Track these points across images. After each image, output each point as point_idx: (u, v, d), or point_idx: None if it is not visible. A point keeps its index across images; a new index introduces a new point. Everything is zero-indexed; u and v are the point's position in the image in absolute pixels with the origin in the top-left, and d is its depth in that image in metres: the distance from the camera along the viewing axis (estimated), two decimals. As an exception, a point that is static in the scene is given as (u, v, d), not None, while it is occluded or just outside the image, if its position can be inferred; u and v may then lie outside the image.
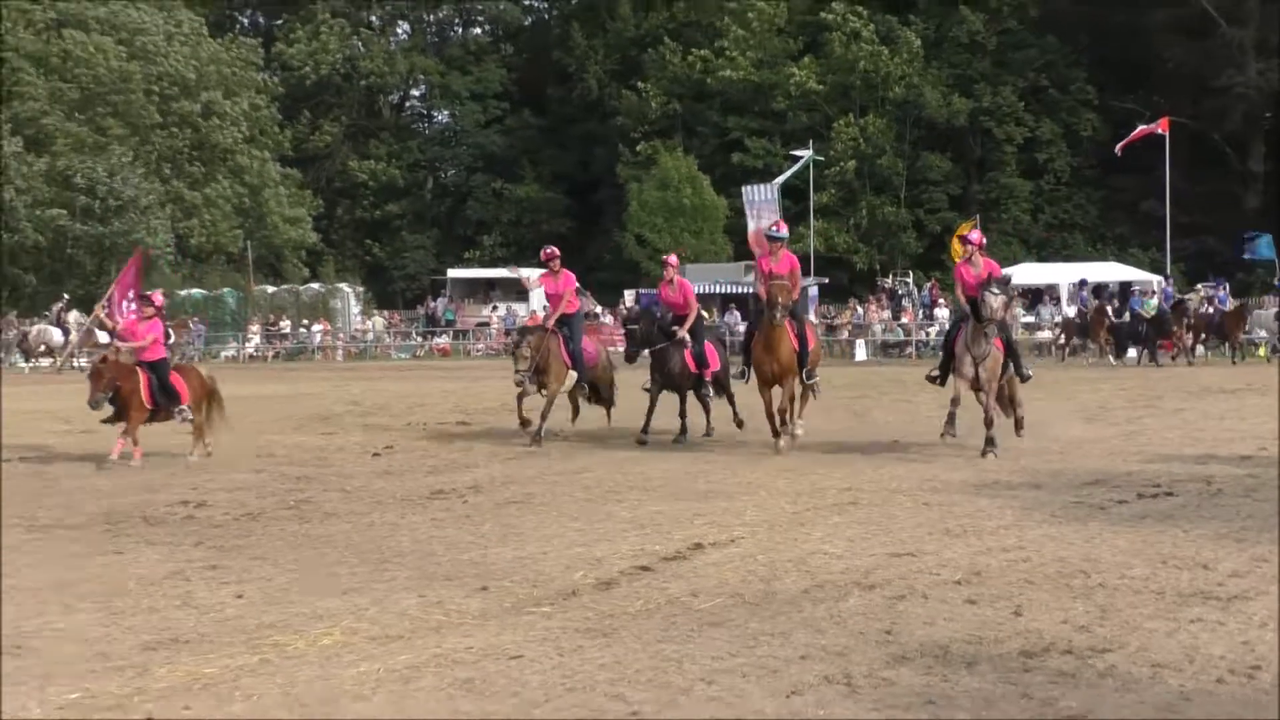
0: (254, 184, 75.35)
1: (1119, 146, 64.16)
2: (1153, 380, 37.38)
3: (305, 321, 64.91)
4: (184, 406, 19.68)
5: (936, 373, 19.22)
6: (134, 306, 22.39)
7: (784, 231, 20.57)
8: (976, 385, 18.12)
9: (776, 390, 19.73)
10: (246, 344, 62.36)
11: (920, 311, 62.15)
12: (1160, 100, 66.79)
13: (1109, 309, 46.10)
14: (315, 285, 72.06)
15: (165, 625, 9.55)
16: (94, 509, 14.99)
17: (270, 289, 70.33)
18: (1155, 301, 45.88)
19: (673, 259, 22.84)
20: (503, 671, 8.22)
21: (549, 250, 22.33)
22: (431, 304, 68.31)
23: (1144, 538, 12.32)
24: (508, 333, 61.08)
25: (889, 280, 67.99)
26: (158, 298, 20.91)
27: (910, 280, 67.33)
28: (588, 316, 64.50)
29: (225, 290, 68.33)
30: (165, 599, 10.42)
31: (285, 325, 64.97)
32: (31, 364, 54.30)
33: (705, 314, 62.61)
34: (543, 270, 22.43)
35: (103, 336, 41.15)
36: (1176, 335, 43.13)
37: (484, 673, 8.20)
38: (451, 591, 10.42)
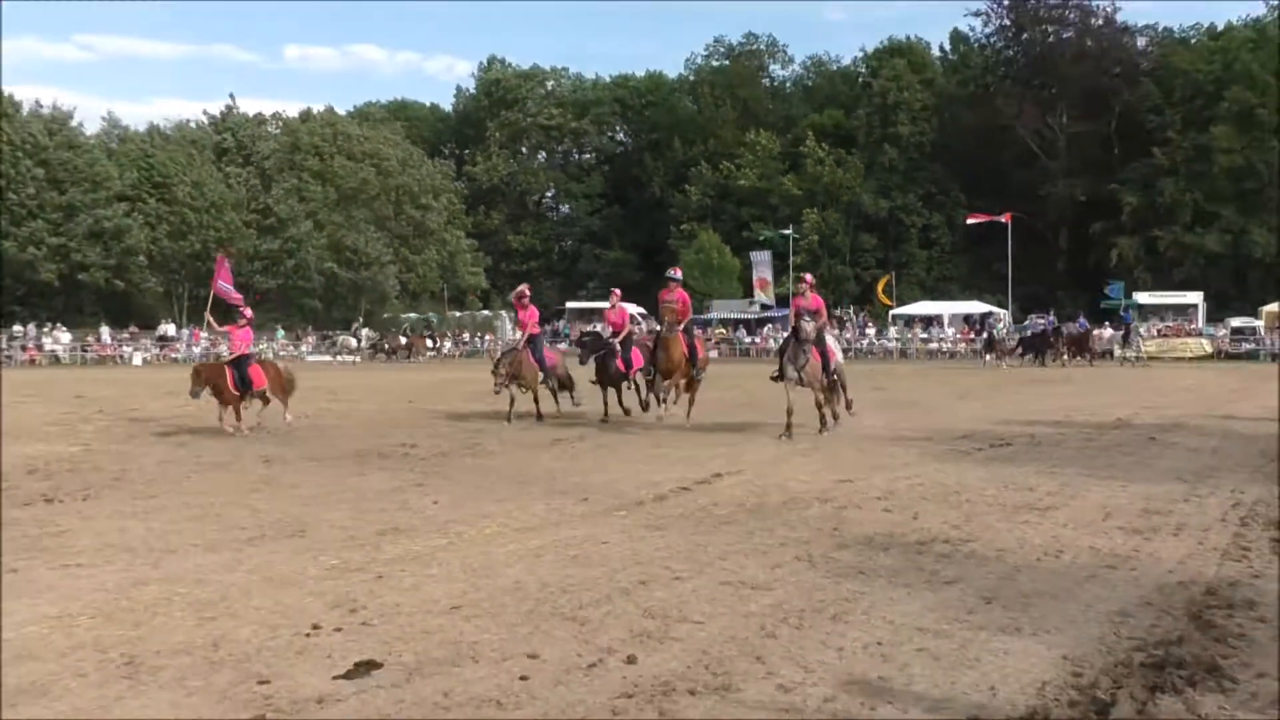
0: (452, 250, 75.85)
1: (968, 219, 63.70)
2: (1007, 375, 37.05)
3: (479, 334, 65.15)
4: (261, 389, 17.79)
5: (776, 374, 16.94)
6: (237, 297, 19.97)
7: (676, 274, 19.59)
8: (802, 383, 16.23)
9: (671, 380, 18.56)
10: (442, 348, 62.52)
11: (858, 330, 61.80)
12: (1005, 202, 66.06)
13: (993, 331, 45.32)
14: (485, 311, 72.44)
15: (390, 520, 9.59)
16: (346, 448, 15.07)
17: (458, 314, 70.92)
18: (1042, 324, 45.07)
19: (617, 292, 21.41)
20: (597, 551, 8.20)
21: (519, 290, 19.93)
22: (556, 324, 68.41)
23: (993, 471, 12.18)
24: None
25: (838, 310, 67.67)
26: (248, 312, 18.50)
27: (851, 311, 66.99)
28: (650, 332, 64.74)
29: (430, 314, 69.11)
30: (391, 503, 10.46)
31: (466, 336, 65.25)
32: (339, 357, 55.91)
33: (724, 331, 61.73)
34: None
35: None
36: (1054, 347, 42.26)
37: (584, 551, 8.18)
38: (564, 501, 10.41)
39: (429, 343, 61.21)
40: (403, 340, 59.69)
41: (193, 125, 76.82)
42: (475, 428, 17.91)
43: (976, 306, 61.92)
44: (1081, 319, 43.30)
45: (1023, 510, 9.79)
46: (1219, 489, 10.83)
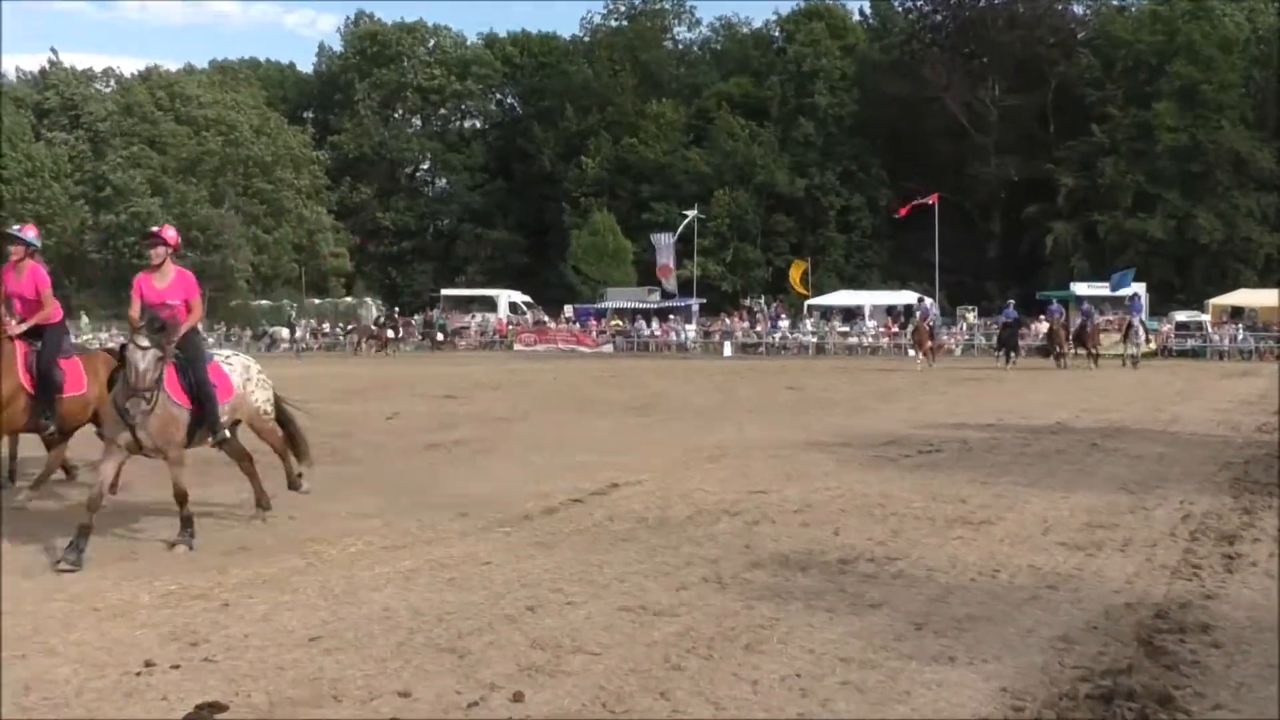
0: (311, 228, 74.83)
1: (900, 211, 64.58)
2: (927, 373, 37.62)
3: (342, 324, 64.34)
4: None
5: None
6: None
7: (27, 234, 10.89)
8: (144, 450, 9.11)
9: None
10: (298, 339, 61.63)
11: (769, 322, 62.34)
12: (932, 182, 67.13)
13: (928, 323, 45.23)
14: (349, 299, 71.59)
15: (237, 538, 9.35)
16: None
17: (317, 301, 69.89)
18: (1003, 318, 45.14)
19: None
20: (476, 573, 8.08)
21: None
22: (430, 313, 67.81)
23: (921, 480, 12.31)
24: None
25: (747, 300, 68.16)
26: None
27: (762, 301, 67.55)
28: (537, 323, 64.68)
29: (284, 301, 67.99)
30: (237, 519, 10.21)
31: (326, 326, 64.43)
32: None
33: (620, 323, 61.35)
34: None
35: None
36: (1063, 343, 42.62)
37: (463, 573, 8.05)
38: (440, 515, 10.26)
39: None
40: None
41: (6, 81, 74.70)
42: (336, 428, 17.60)
43: (900, 296, 62.83)
44: (1011, 308, 43.71)
45: (955, 524, 9.88)
46: (1167, 500, 11.06)
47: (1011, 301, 45.88)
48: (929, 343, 42.74)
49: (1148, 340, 46.69)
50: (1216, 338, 53.10)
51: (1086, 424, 18.72)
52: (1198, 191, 66.54)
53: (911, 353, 44.97)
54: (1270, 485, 11.86)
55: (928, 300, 49.28)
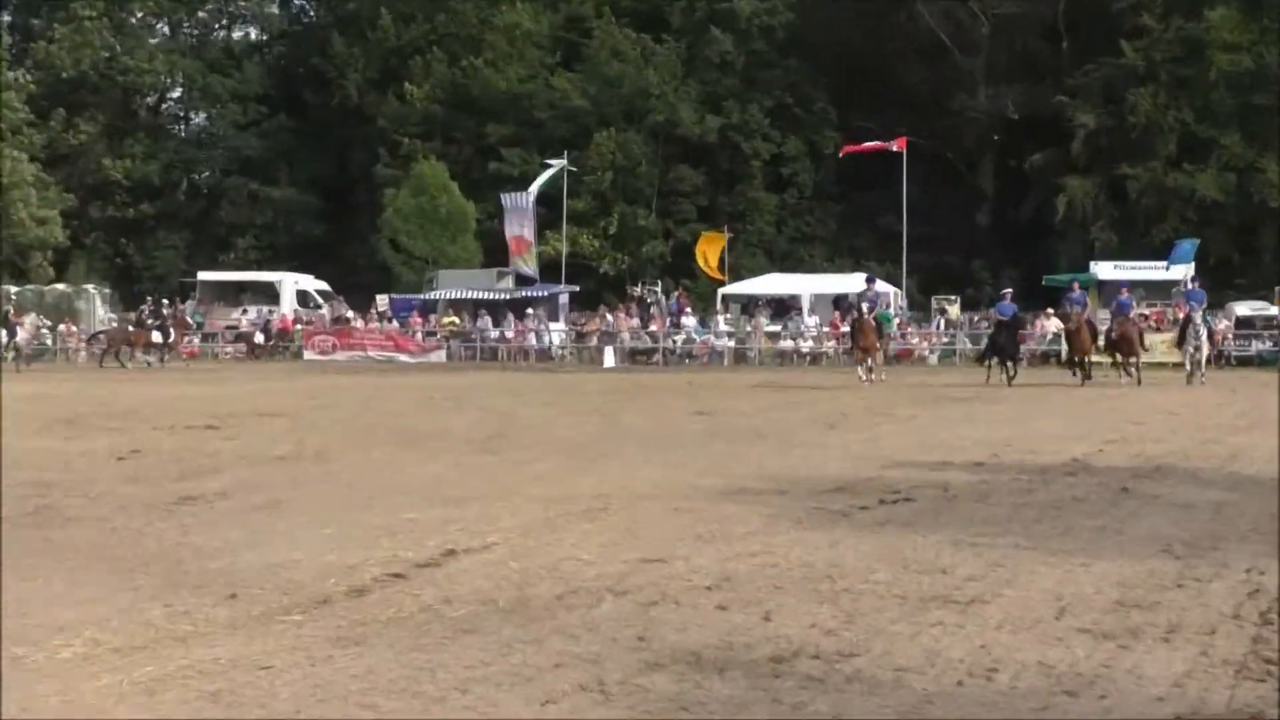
0: (7, 182, 73.31)
1: (843, 150, 65.32)
2: (886, 388, 38.00)
3: (49, 322, 63.26)
4: None
5: None
6: None
7: None
8: None
9: None
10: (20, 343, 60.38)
11: (668, 319, 62.54)
12: (898, 121, 67.95)
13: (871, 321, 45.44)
14: (60, 286, 70.34)
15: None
16: None
17: (14, 289, 68.16)
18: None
19: None
20: (251, 682, 7.94)
21: None
22: (181, 306, 66.40)
23: (885, 542, 12.39)
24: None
25: (638, 288, 68.32)
26: None
27: (659, 289, 67.75)
28: (337, 320, 64.20)
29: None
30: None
31: (28, 324, 63.05)
32: None
33: (456, 320, 61.74)
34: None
35: None
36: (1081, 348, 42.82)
37: (232, 684, 7.92)
38: (199, 600, 10.08)
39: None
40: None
41: None
42: (43, 475, 17.27)
43: (853, 281, 63.31)
44: (1006, 302, 44.11)
45: (933, 605, 9.94)
46: (1227, 568, 11.22)
47: (1008, 291, 46.35)
48: (876, 347, 41.89)
49: (1212, 342, 47.03)
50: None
51: (1115, 461, 19.02)
52: (1266, 134, 67.77)
53: (861, 371, 42.36)
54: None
55: (879, 285, 48.01)
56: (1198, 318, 43.41)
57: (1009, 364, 41.68)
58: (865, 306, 41.91)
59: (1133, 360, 42.30)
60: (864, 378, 40.57)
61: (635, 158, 76.24)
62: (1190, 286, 47.01)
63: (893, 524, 13.54)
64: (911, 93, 72.93)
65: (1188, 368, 42.70)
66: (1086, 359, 41.68)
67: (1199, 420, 26.72)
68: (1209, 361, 44.38)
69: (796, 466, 18.42)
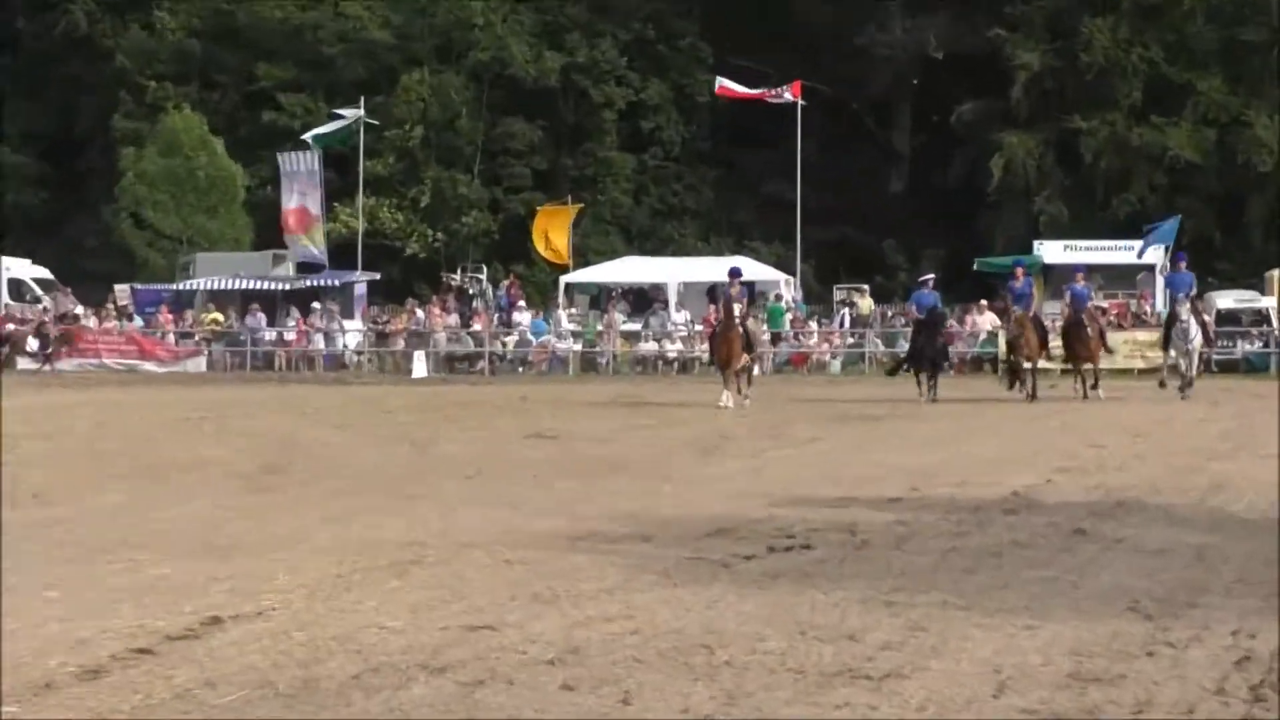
0: None
1: (719, 91, 65.61)
2: (780, 404, 38.22)
3: None
4: None
5: None
6: None
7: None
8: None
9: None
10: None
11: (496, 315, 62.56)
12: (791, 61, 68.29)
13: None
14: None
15: None
16: None
17: None
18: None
19: None
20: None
21: None
22: None
23: (777, 601, 12.46)
24: None
25: (457, 276, 68.14)
26: None
27: (484, 276, 67.67)
28: (63, 318, 63.43)
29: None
30: None
31: None
32: None
33: (220, 317, 61.30)
34: None
35: None
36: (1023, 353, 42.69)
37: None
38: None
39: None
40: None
41: None
42: None
43: (730, 266, 63.59)
44: (925, 291, 43.65)
45: (838, 681, 10.02)
46: (1208, 630, 11.37)
47: (929, 277, 45.76)
48: (743, 355, 40.09)
49: (1207, 341, 45.70)
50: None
51: (1067, 495, 19.26)
52: (1255, 78, 68.70)
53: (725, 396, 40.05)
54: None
55: (776, 275, 47.89)
56: (1184, 311, 42.08)
57: (929, 373, 41.48)
58: (719, 298, 41.08)
59: (1088, 367, 42.21)
60: (724, 402, 38.02)
61: (453, 107, 76.20)
62: (1172, 270, 46.28)
63: (787, 577, 13.62)
64: (807, 25, 73.43)
65: (1182, 371, 41.70)
66: (1031, 366, 41.44)
67: (1173, 442, 27.11)
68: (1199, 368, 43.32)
69: (663, 505, 18.50)
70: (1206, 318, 49.75)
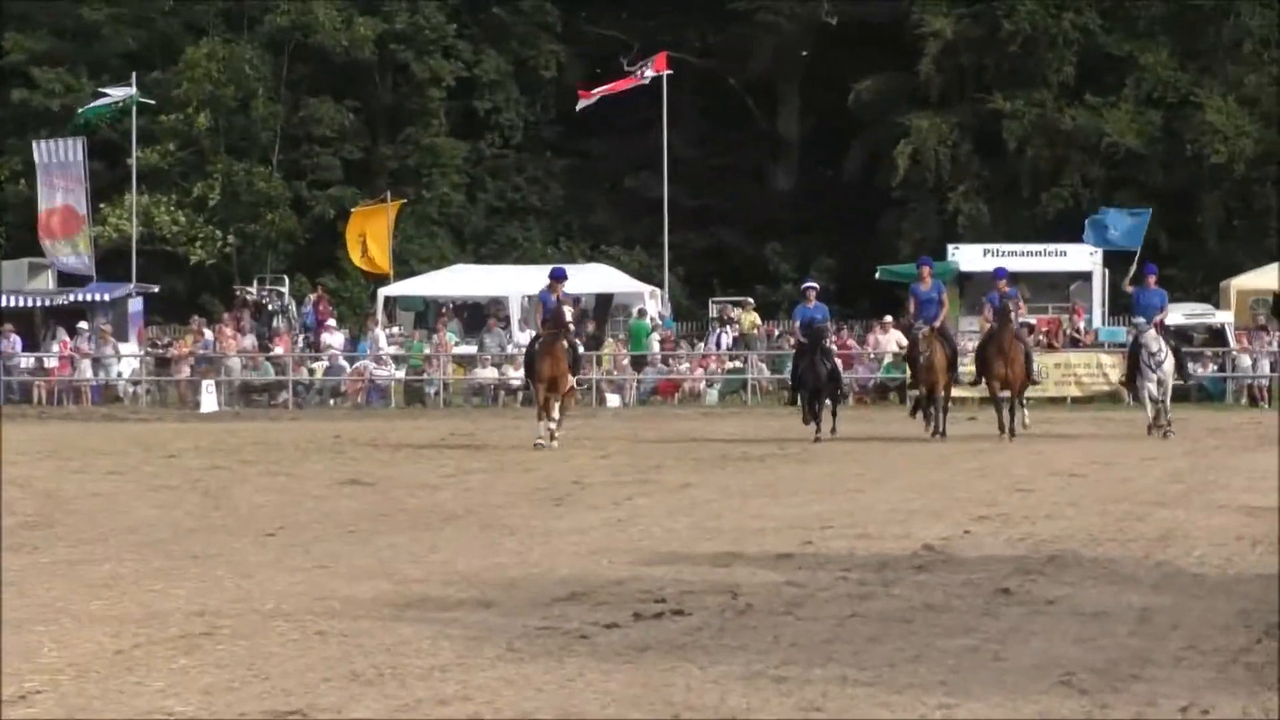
0: None
1: (584, 95, 65.67)
2: (646, 442, 38.34)
3: None
4: None
5: None
6: None
7: None
8: None
9: None
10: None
11: (301, 337, 62.44)
12: (656, 29, 68.48)
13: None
14: None
15: None
16: None
17: None
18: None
19: None
20: None
21: None
22: None
23: (646, 679, 12.52)
24: None
25: (253, 289, 67.93)
26: None
27: (286, 290, 67.48)
28: None
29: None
30: None
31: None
32: None
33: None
34: None
35: None
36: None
37: None
38: None
39: None
40: None
41: None
42: None
43: (589, 274, 63.77)
44: (809, 305, 42.69)
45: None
46: (1154, 706, 11.52)
47: (811, 286, 44.45)
48: (568, 380, 39.15)
49: (1181, 371, 43.64)
50: (1247, 359, 55.54)
51: (989, 549, 19.44)
52: (1208, 52, 69.39)
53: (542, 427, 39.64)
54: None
55: (624, 276, 47.16)
56: (1153, 340, 41.15)
57: (815, 406, 40.83)
58: (538, 314, 40.21)
59: (1006, 395, 41.29)
60: (542, 438, 37.98)
61: (247, 85, 75.98)
62: (1140, 286, 44.28)
63: (656, 650, 13.69)
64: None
65: (1148, 412, 40.85)
66: (943, 396, 41.17)
67: (1113, 485, 27.32)
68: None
69: (508, 564, 18.56)
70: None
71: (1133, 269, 48.22)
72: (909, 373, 42.74)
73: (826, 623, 14.80)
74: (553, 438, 38.09)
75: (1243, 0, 68.49)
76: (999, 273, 44.60)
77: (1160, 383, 40.54)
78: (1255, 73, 69.49)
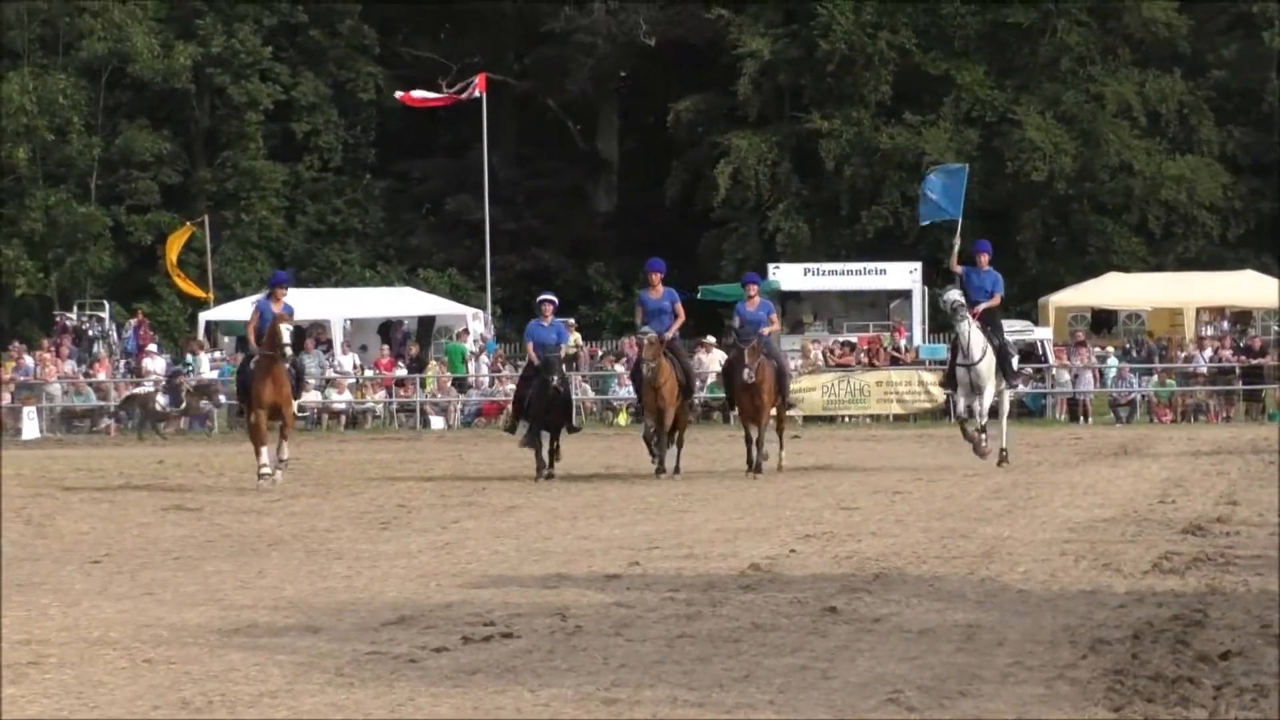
0: None
1: (402, 97, 65.50)
2: (471, 466, 38.30)
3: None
4: None
5: None
6: None
7: None
8: None
9: None
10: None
11: (123, 362, 62.04)
12: (473, 49, 68.42)
13: None
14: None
15: None
16: None
17: None
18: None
19: None
20: None
21: None
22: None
23: (476, 703, 12.50)
24: None
25: (72, 315, 67.44)
26: None
27: (107, 315, 67.04)
28: None
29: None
30: None
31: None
32: None
33: None
34: None
35: None
36: None
37: None
38: None
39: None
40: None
41: None
42: None
43: (403, 299, 63.68)
44: (545, 322, 40.84)
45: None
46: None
47: (547, 298, 41.09)
48: (291, 406, 37.03)
49: (1006, 373, 39.55)
50: (1066, 375, 56.04)
51: (814, 567, 19.58)
52: (1025, 69, 70.00)
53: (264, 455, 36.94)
54: (1185, 682, 12.63)
55: (443, 300, 46.41)
56: (966, 329, 36.85)
57: (538, 440, 36.99)
58: (284, 327, 35.23)
59: (753, 426, 37.60)
60: (266, 468, 34.82)
61: (61, 113, 75.40)
62: (971, 267, 39.77)
63: (486, 673, 13.68)
64: (492, 5, 73.59)
65: (963, 420, 36.97)
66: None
67: (937, 503, 27.49)
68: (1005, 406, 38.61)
69: (335, 589, 18.50)
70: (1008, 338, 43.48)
71: (956, 243, 41.78)
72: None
73: (655, 643, 14.83)
74: (275, 470, 35.03)
75: (1059, 17, 69.32)
76: (749, 278, 41.62)
77: (975, 387, 36.27)
78: (1073, 90, 70.33)
